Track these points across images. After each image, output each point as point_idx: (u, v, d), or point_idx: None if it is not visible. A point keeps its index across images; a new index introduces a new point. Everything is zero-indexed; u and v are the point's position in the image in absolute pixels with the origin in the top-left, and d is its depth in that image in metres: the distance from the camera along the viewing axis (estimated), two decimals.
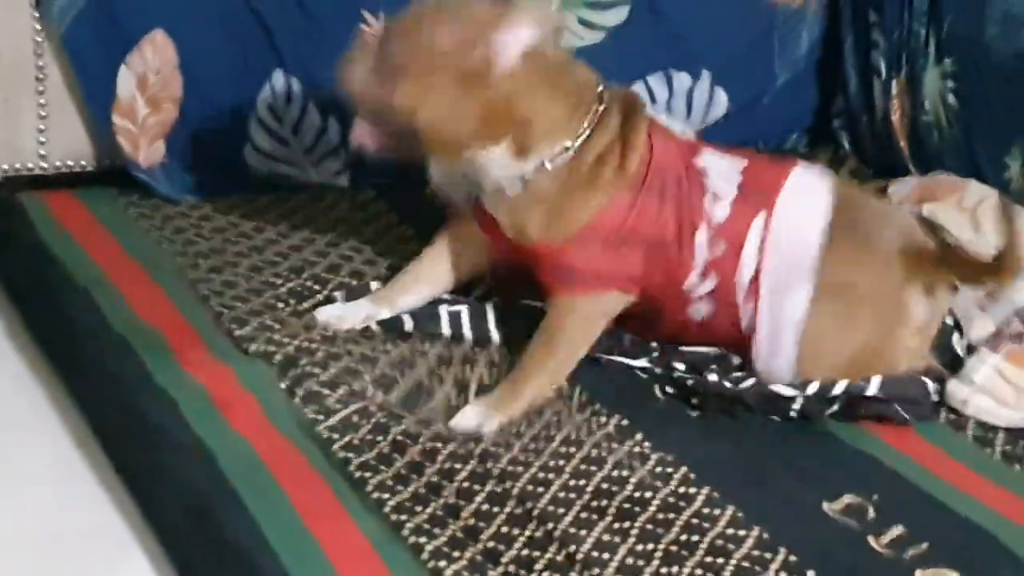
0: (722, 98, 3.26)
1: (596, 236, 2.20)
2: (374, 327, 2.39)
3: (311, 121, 2.95)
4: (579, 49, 3.04)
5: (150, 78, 2.86)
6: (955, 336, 2.37)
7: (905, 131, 3.16)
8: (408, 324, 2.38)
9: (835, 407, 2.21)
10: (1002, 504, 2.06)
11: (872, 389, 2.21)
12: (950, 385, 2.27)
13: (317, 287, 2.53)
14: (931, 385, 2.26)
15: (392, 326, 2.39)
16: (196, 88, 2.89)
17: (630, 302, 2.26)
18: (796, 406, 2.20)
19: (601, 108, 2.22)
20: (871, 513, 2.01)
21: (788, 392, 2.20)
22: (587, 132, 2.21)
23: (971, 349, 2.35)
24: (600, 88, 2.25)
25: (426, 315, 2.39)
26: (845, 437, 2.21)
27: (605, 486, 2.02)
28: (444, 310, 2.38)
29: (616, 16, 3.14)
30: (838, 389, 2.20)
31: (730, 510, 1.98)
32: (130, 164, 2.88)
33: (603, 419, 2.18)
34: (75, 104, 2.90)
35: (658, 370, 2.31)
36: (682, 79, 3.21)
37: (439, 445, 2.08)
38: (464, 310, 2.38)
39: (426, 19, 2.18)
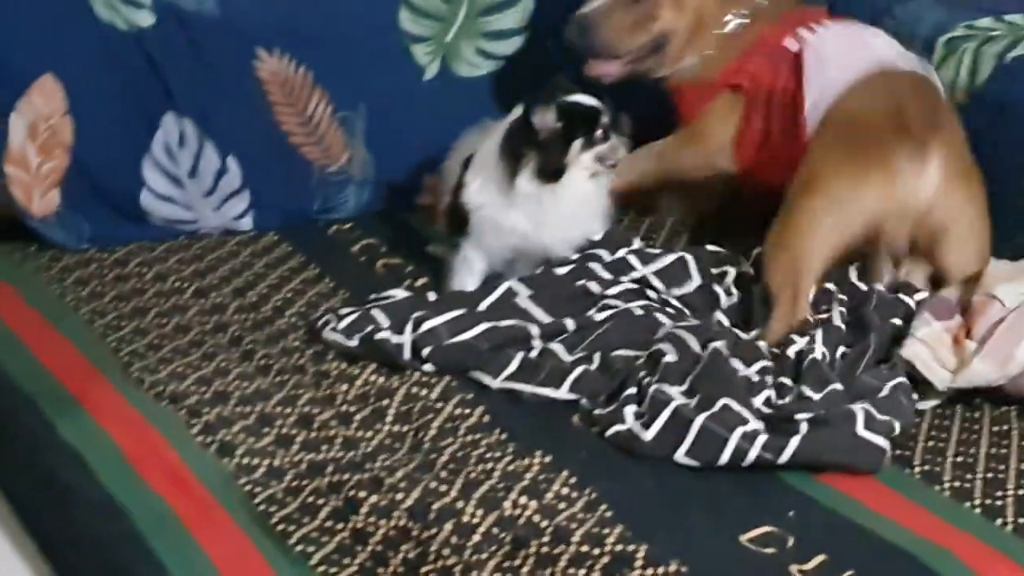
0: None
1: None
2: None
3: (209, 163, 2.92)
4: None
5: (40, 125, 2.80)
6: None
7: None
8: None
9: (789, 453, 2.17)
10: (920, 525, 2.06)
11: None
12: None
13: (230, 330, 2.52)
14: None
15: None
16: (87, 133, 2.84)
17: None
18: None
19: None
20: (790, 542, 1.99)
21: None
22: None
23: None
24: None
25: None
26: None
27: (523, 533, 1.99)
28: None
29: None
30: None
31: (644, 547, 1.95)
32: (23, 215, 2.82)
33: (526, 459, 2.15)
34: None
35: (583, 400, 2.32)
36: None
37: (363, 494, 2.04)
38: None
39: None
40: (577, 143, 2.56)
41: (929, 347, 2.33)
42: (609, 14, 2.83)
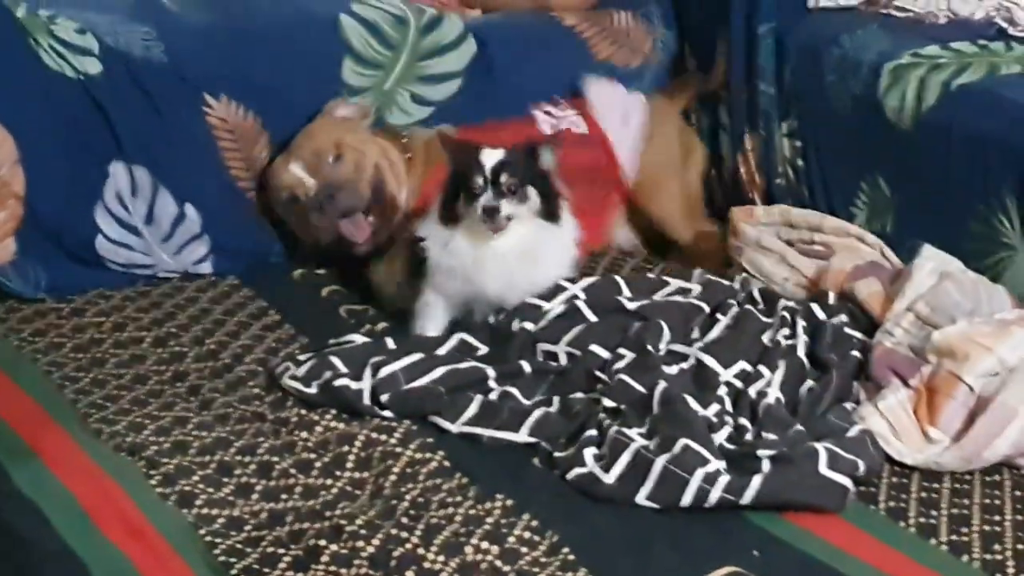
0: None
1: None
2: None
3: (165, 210, 2.91)
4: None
5: None
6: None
7: (757, 188, 3.21)
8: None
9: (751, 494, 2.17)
10: (885, 562, 2.07)
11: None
12: (862, 408, 2.37)
13: (189, 379, 2.52)
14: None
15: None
16: (39, 182, 2.82)
17: None
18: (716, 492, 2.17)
19: None
20: None
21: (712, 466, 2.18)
22: None
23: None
24: None
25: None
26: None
27: None
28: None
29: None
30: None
31: None
32: None
33: (487, 503, 2.15)
34: None
35: (543, 443, 2.31)
36: None
37: (323, 542, 2.03)
38: None
39: None
40: (462, 194, 2.58)
41: (889, 422, 2.33)
42: (339, 181, 2.87)
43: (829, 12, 3.21)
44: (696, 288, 2.68)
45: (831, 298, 2.67)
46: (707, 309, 2.62)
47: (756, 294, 2.68)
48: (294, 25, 3.06)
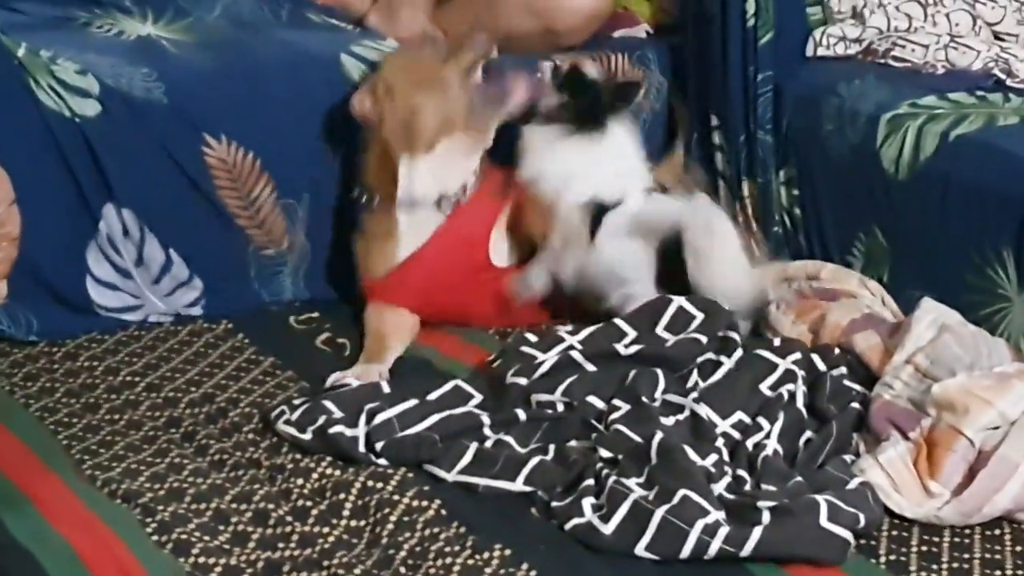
0: None
1: None
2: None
3: (154, 254, 2.90)
4: None
5: None
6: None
7: (755, 236, 3.20)
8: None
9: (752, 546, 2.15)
10: None
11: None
12: (861, 460, 2.36)
13: (183, 425, 2.50)
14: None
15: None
16: (33, 224, 2.78)
17: None
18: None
19: None
20: None
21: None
22: None
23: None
24: None
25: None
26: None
27: None
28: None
29: None
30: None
31: None
32: None
33: (485, 553, 2.13)
34: None
35: (539, 492, 2.30)
36: None
37: None
38: None
39: None
40: None
41: (889, 475, 2.32)
42: None
43: (827, 61, 3.22)
44: (699, 316, 2.65)
45: (835, 351, 2.66)
46: (704, 341, 2.59)
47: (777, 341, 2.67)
48: (295, 65, 3.04)
